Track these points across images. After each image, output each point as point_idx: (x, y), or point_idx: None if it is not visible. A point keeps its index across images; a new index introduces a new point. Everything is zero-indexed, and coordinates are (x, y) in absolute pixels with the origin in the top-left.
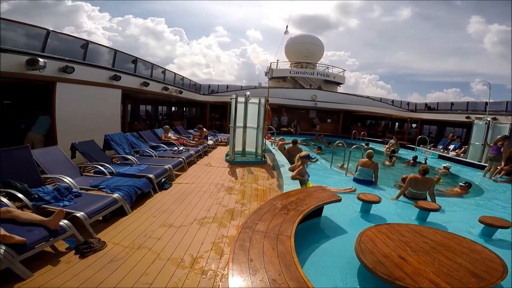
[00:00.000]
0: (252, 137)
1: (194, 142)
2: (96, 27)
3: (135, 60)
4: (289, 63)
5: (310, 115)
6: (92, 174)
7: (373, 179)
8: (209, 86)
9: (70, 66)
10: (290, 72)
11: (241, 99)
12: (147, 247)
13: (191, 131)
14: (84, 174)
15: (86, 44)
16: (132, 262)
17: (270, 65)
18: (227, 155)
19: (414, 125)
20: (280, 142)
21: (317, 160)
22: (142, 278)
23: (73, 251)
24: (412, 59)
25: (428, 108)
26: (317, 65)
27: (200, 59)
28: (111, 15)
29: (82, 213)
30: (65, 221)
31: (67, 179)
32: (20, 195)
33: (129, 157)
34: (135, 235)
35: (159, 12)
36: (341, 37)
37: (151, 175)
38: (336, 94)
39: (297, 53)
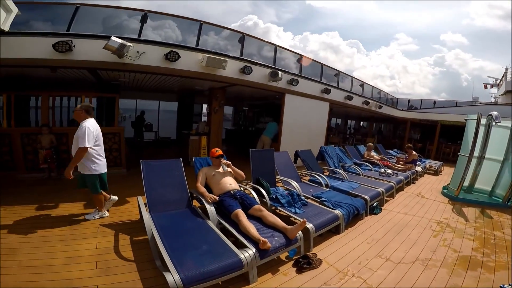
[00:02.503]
0: (490, 172)
1: (400, 165)
2: (283, 45)
3: (337, 74)
4: None
5: None
6: (307, 182)
7: None
8: (408, 100)
9: (295, 79)
10: None
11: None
12: (362, 278)
13: (391, 151)
14: (302, 180)
15: (300, 58)
16: None
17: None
18: (445, 187)
19: None
20: None
21: None
22: None
23: (291, 262)
24: None
25: None
26: None
27: (382, 71)
28: (293, 34)
29: (311, 225)
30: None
31: (294, 183)
32: (265, 194)
33: (339, 171)
34: (348, 260)
35: (332, 26)
36: None
37: (366, 196)
38: None
39: None
